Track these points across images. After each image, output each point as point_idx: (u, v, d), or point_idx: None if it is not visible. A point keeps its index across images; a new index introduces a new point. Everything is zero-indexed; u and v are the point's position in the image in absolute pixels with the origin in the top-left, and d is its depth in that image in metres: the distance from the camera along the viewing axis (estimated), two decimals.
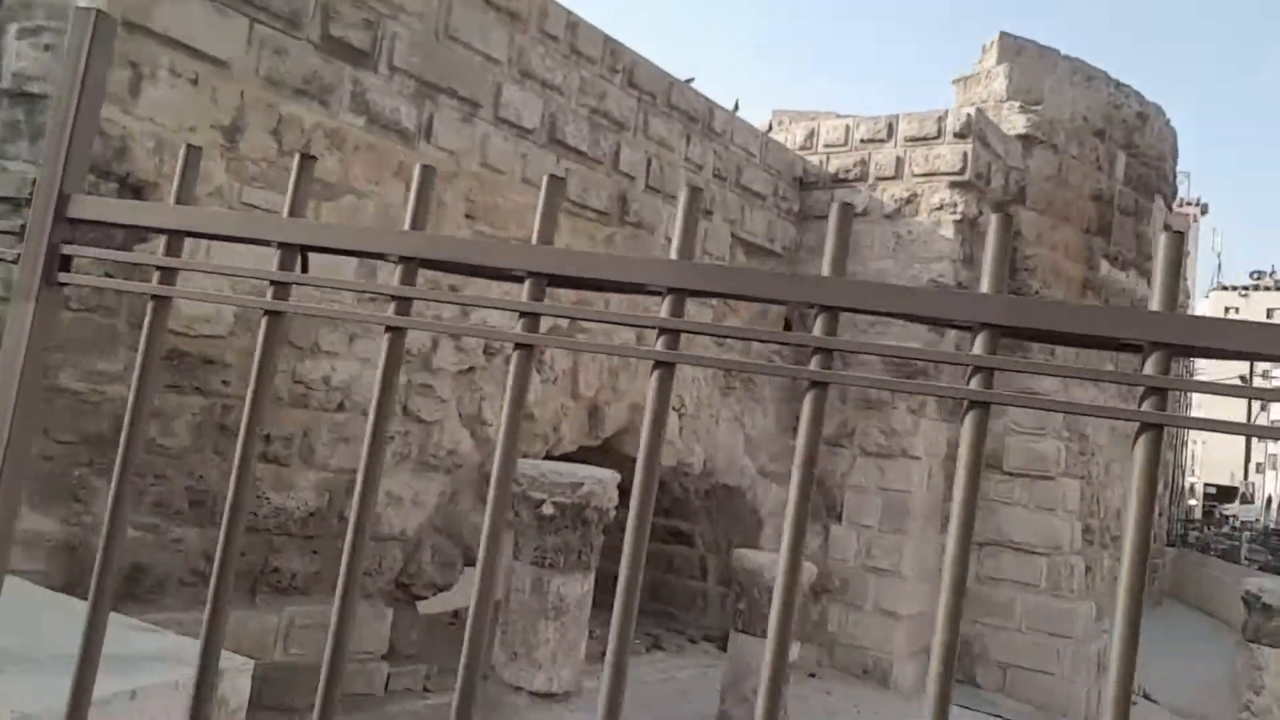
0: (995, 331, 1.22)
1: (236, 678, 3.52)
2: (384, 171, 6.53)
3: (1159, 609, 25.42)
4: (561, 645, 5.42)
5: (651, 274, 1.40)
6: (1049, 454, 9.97)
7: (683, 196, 1.36)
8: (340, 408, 6.23)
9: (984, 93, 10.91)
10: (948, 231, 9.76)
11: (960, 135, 9.83)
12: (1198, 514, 45.52)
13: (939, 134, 9.97)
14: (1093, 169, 11.15)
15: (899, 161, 10.17)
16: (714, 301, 9.58)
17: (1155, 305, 1.18)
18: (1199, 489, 50.63)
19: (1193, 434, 59.07)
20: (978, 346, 1.26)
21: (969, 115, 9.85)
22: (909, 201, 10.04)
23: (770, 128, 11.55)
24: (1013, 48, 10.99)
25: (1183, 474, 30.16)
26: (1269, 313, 51.39)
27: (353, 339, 6.28)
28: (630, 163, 8.50)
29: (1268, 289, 53.37)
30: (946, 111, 10.02)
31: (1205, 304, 55.61)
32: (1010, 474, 10.07)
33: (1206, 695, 16.66)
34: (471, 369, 7.12)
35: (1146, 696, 13.64)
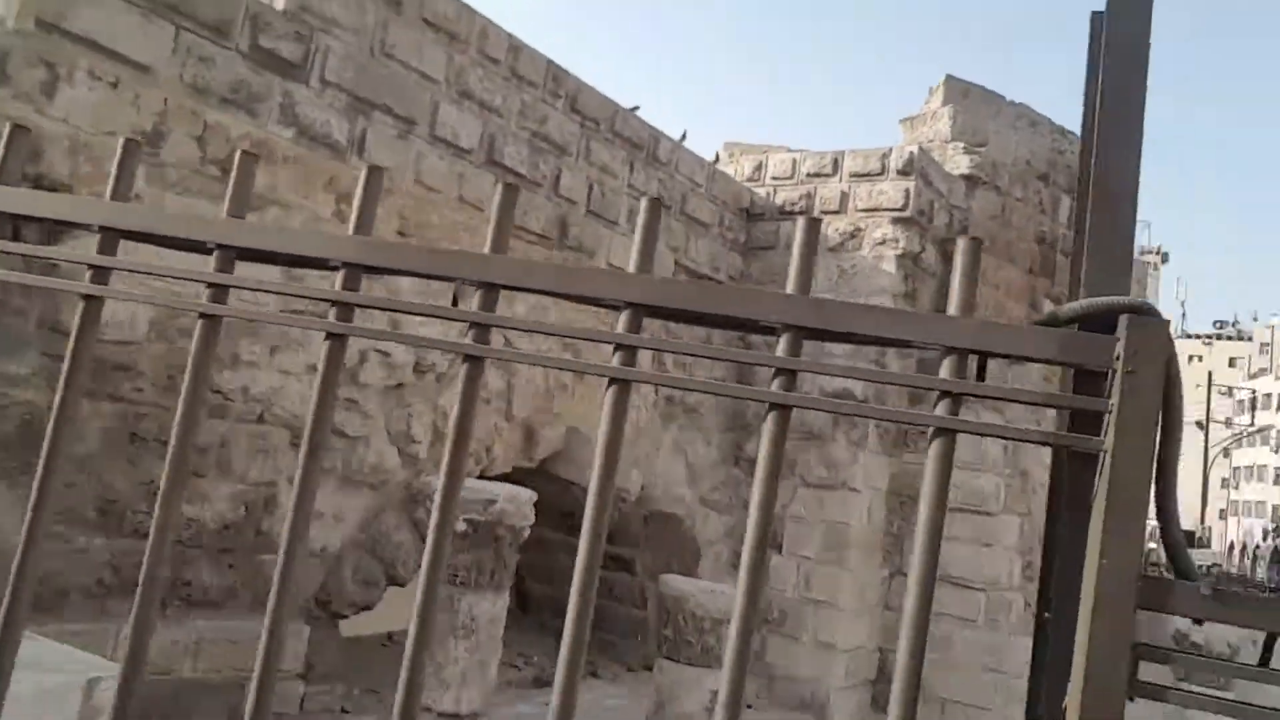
0: (639, 310, 1.30)
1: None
2: (313, 185, 6.50)
3: None
4: (471, 665, 5.31)
5: (330, 250, 1.48)
6: (988, 490, 9.99)
7: (363, 177, 1.42)
8: (260, 419, 6.14)
9: (929, 133, 11.09)
10: (889, 266, 9.85)
11: (903, 172, 9.96)
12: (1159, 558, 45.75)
13: (883, 170, 10.10)
14: (1036, 211, 11.32)
15: (843, 196, 10.28)
16: (658, 325, 9.59)
17: (790, 288, 1.22)
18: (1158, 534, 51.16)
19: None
20: (620, 325, 1.32)
21: (912, 153, 9.99)
22: (852, 236, 10.13)
23: (716, 159, 11.66)
24: (959, 90, 11.19)
25: None
26: (1231, 361, 52.24)
27: (274, 350, 6.20)
28: (571, 187, 8.53)
29: (1229, 338, 54.29)
30: (891, 149, 10.16)
31: None
32: (951, 509, 10.04)
33: None
34: (401, 385, 7.05)
35: None
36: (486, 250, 1.40)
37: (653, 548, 9.86)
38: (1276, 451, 43.78)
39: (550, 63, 8.36)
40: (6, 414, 5.15)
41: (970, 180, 10.68)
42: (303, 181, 6.43)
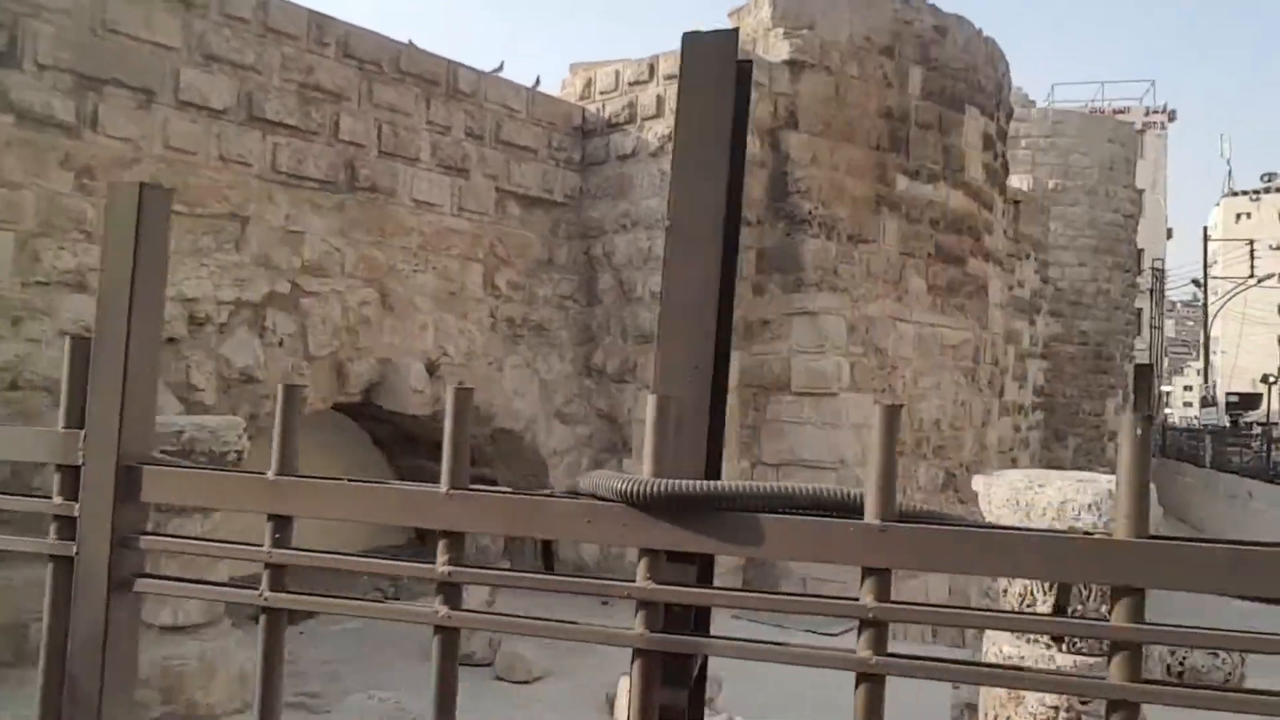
0: None
1: None
2: (45, 164, 6.99)
3: None
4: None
5: None
6: (829, 371, 10.16)
7: None
8: (13, 386, 6.75)
9: (754, 23, 11.02)
10: None
11: None
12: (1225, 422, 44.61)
13: None
14: (880, 86, 11.20)
15: (659, 100, 10.39)
16: (483, 252, 9.96)
17: None
18: (1220, 398, 49.58)
19: (1216, 344, 57.61)
20: None
21: None
22: (670, 138, 10.23)
23: (537, 82, 11.78)
24: None
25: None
26: None
27: (17, 321, 6.79)
28: (354, 131, 8.86)
29: (1279, 190, 51.63)
30: None
31: (1216, 211, 54.10)
32: (798, 394, 10.30)
33: None
34: (174, 339, 7.59)
35: None
36: None
37: (507, 464, 10.35)
38: None
39: (312, 13, 8.65)
40: None
41: (794, 65, 10.64)
42: (33, 161, 6.93)
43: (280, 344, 8.29)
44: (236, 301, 8.05)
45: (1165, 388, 49.10)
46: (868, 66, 11.08)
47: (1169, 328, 64.32)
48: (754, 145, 10.39)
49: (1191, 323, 73.38)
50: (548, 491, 1.26)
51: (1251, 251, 33.49)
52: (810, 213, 10.41)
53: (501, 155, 10.16)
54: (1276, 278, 39.03)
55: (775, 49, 10.68)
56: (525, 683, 7.11)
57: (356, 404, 9.17)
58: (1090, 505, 3.44)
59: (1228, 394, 47.71)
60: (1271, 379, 29.08)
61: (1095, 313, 24.21)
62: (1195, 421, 40.39)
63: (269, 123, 8.27)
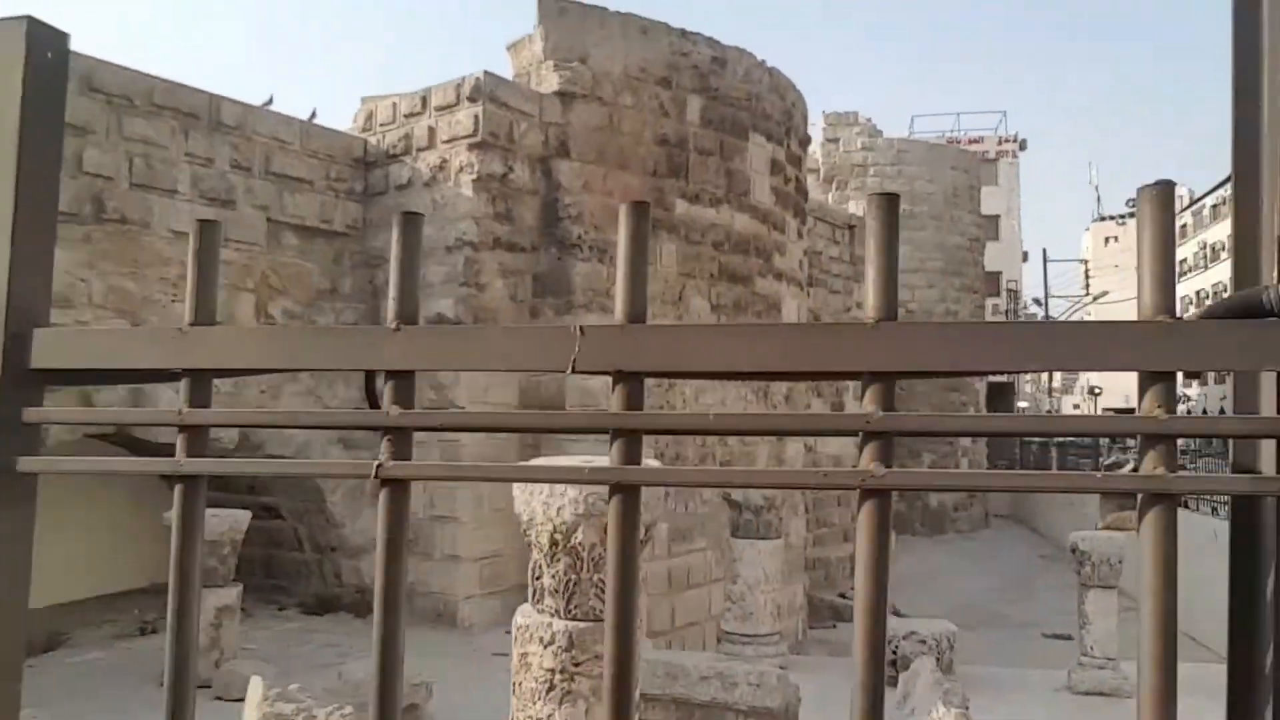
0: None
1: None
2: None
3: (984, 531, 26.23)
4: None
5: None
6: (598, 389, 10.48)
7: None
8: None
9: (529, 56, 11.44)
10: (468, 191, 10.28)
11: (472, 99, 10.36)
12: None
13: (458, 101, 10.51)
14: (656, 115, 11.68)
15: (431, 131, 10.70)
16: (254, 282, 10.05)
17: None
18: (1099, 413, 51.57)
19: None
20: None
21: (477, 80, 10.38)
22: (441, 168, 10.56)
23: (313, 115, 12.03)
24: (554, 10, 11.51)
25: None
26: None
27: None
28: (101, 164, 8.95)
29: None
30: (465, 79, 10.55)
31: (1087, 235, 56.64)
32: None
33: (966, 602, 17.46)
34: None
35: (896, 612, 14.37)
36: None
37: (286, 491, 10.42)
38: None
39: None
40: None
41: (565, 96, 11.05)
42: None
43: None
44: None
45: (1048, 408, 50.92)
46: (643, 96, 11.56)
47: None
48: (525, 173, 10.75)
49: None
50: None
51: (1086, 271, 35.20)
52: (580, 237, 10.78)
53: (273, 187, 10.33)
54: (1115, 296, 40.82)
55: (547, 81, 11.09)
56: (242, 700, 7.17)
57: (111, 435, 9.17)
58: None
59: (1104, 410, 49.84)
60: (1097, 391, 30.45)
61: None
62: None
63: None
